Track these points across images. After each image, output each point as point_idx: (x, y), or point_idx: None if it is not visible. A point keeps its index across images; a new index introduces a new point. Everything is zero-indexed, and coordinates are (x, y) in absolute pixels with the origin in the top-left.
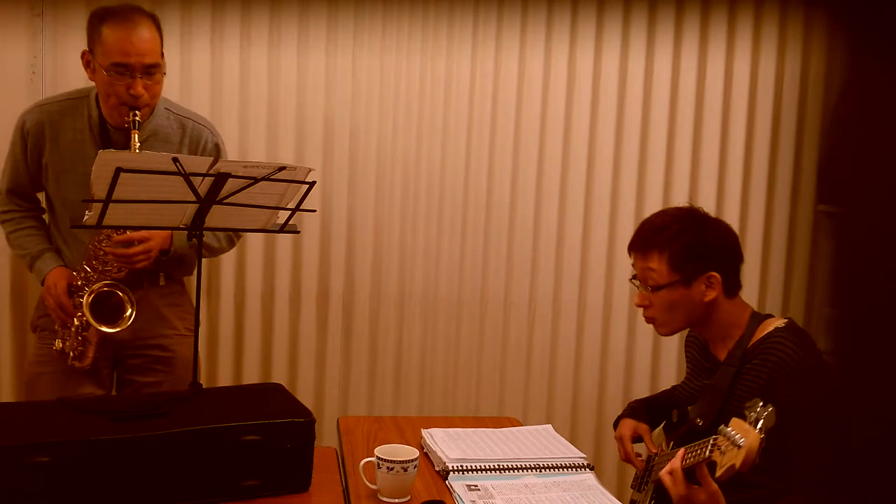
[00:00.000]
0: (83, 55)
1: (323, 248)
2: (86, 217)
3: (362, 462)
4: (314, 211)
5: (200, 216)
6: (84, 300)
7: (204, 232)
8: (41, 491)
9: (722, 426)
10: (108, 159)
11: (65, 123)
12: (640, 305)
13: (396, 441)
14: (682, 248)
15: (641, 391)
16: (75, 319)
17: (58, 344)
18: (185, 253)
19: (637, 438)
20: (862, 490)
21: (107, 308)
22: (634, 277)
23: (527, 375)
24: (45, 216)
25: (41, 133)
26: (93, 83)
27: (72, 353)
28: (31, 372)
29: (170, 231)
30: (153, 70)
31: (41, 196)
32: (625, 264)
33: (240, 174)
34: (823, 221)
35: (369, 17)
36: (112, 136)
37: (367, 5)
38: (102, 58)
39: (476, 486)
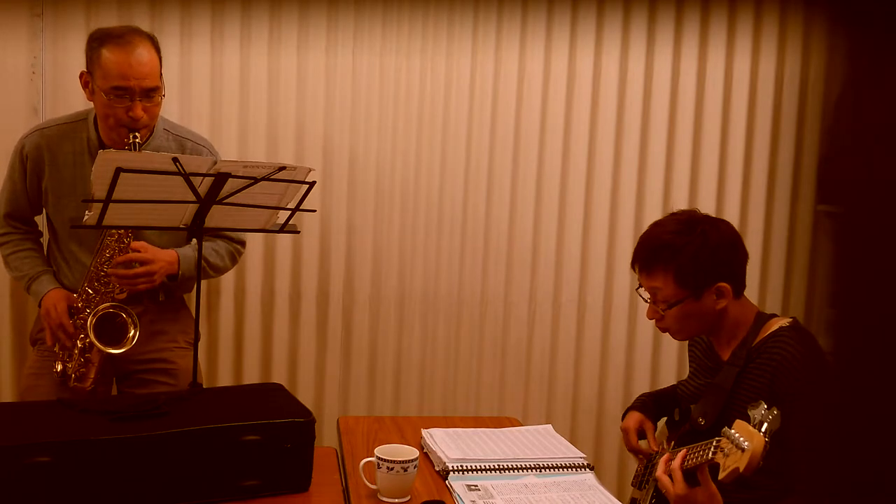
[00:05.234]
0: (81, 76)
1: (323, 249)
2: (86, 217)
3: (362, 462)
4: (314, 211)
5: (200, 216)
6: (88, 322)
7: (208, 253)
8: (41, 491)
9: (725, 428)
10: (108, 159)
11: (63, 147)
12: (651, 318)
13: (396, 441)
14: (686, 264)
15: (641, 391)
16: (78, 341)
17: (57, 366)
18: (192, 276)
19: (641, 433)
20: (861, 490)
21: (109, 329)
22: (640, 287)
23: (527, 375)
24: (43, 239)
25: (40, 157)
26: (91, 105)
27: (73, 376)
28: (26, 384)
29: (175, 256)
30: (152, 93)
31: (39, 220)
32: (625, 264)
33: (240, 174)
34: (823, 221)
35: (369, 17)
36: None
37: (367, 5)
38: (102, 81)
39: (476, 486)
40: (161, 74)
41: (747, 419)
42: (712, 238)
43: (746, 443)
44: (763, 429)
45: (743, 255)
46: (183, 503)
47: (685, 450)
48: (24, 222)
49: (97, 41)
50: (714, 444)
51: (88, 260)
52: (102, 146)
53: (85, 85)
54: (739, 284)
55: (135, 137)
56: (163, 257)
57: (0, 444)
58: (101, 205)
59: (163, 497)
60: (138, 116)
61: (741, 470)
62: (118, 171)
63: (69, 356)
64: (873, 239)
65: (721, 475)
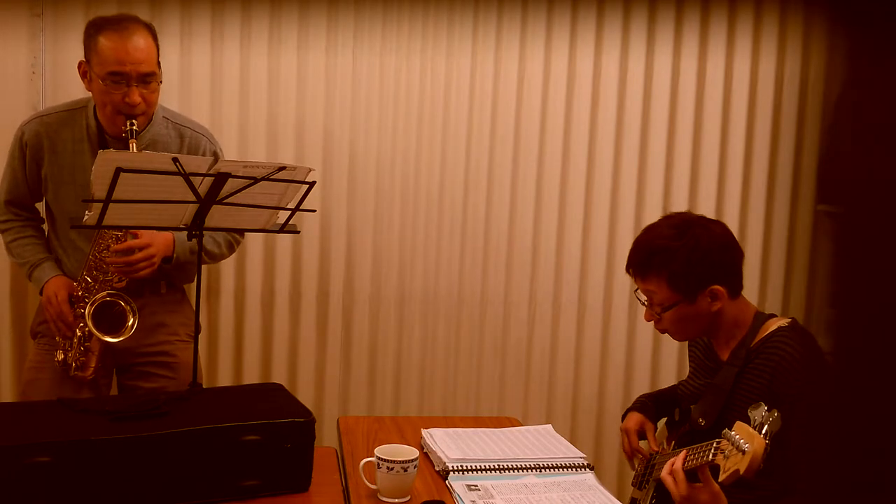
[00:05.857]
0: (80, 65)
1: (323, 249)
2: (86, 217)
3: (362, 462)
4: (314, 211)
5: (200, 216)
6: (86, 310)
7: (205, 237)
8: (41, 491)
9: (726, 430)
10: (108, 159)
11: (63, 135)
12: (648, 320)
13: (396, 441)
14: (679, 269)
15: (641, 391)
16: (77, 330)
17: (59, 355)
18: (188, 260)
19: (642, 434)
20: (861, 490)
21: (109, 317)
22: (637, 290)
23: (527, 375)
24: (45, 225)
25: (40, 145)
26: (90, 94)
27: (74, 364)
28: (28, 378)
29: (171, 238)
30: (149, 79)
31: (40, 206)
32: (625, 265)
33: (240, 174)
34: (823, 221)
35: (369, 17)
36: (110, 146)
37: (367, 5)
38: (98, 67)
39: (476, 486)
40: (158, 63)
41: (747, 420)
42: (704, 242)
43: (747, 445)
44: (763, 431)
45: (738, 257)
46: (183, 503)
47: (686, 450)
48: (25, 209)
49: (94, 28)
50: (714, 445)
51: (87, 248)
52: (102, 134)
53: (83, 75)
54: (735, 285)
55: (132, 124)
56: (159, 239)
57: (0, 444)
58: (100, 204)
59: (163, 497)
60: (135, 102)
61: (741, 472)
62: (118, 171)
63: (70, 345)
64: (873, 239)
65: (721, 477)
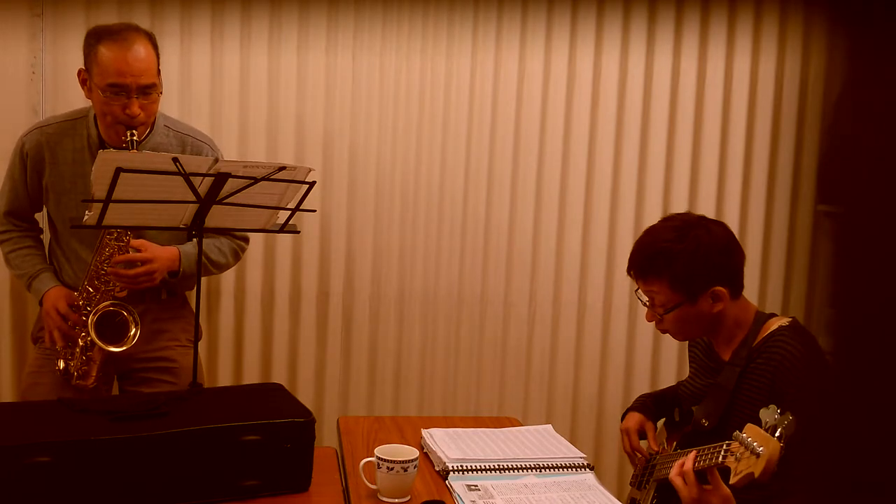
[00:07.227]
0: (79, 73)
1: (323, 248)
2: (86, 217)
3: (362, 462)
4: (314, 211)
5: (200, 216)
6: (89, 320)
7: (210, 249)
8: (41, 491)
9: (737, 432)
10: (108, 159)
11: (64, 144)
12: (650, 321)
13: (396, 441)
14: (680, 271)
15: (641, 391)
16: (80, 340)
17: (60, 364)
18: (194, 273)
19: (642, 434)
20: (862, 490)
21: (110, 327)
22: (639, 290)
23: (527, 375)
24: (44, 236)
25: (40, 155)
26: (90, 101)
27: (76, 374)
28: (27, 383)
29: (176, 253)
30: (149, 90)
31: (39, 217)
32: (625, 265)
33: (240, 174)
34: (823, 221)
35: (369, 17)
36: None
37: (367, 5)
38: (98, 78)
39: (476, 486)
40: (159, 72)
41: (755, 421)
42: (705, 243)
43: (761, 448)
44: (777, 433)
45: (739, 257)
46: (183, 503)
47: (695, 451)
48: (24, 220)
49: (94, 38)
50: (724, 447)
51: (90, 257)
52: (102, 143)
53: (83, 83)
54: (737, 286)
55: (132, 135)
56: (163, 255)
57: (0, 444)
58: (101, 205)
59: (163, 497)
60: (135, 114)
61: (756, 475)
62: (118, 171)
63: (71, 354)
64: (873, 239)
65: (733, 479)
